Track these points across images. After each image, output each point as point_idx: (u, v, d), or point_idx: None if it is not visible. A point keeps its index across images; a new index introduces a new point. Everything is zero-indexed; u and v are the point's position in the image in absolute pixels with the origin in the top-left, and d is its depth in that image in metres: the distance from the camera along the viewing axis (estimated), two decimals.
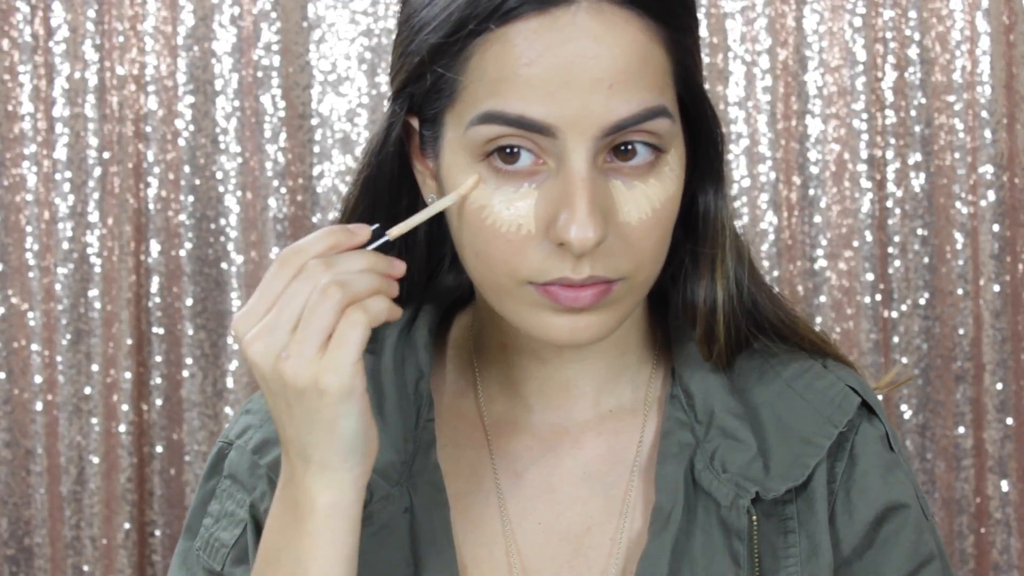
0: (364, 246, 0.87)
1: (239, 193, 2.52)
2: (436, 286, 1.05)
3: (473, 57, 0.89)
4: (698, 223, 0.99)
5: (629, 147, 0.89)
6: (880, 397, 1.05)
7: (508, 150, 0.89)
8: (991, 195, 2.42)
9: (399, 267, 0.87)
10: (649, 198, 0.90)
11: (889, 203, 2.46)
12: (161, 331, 2.54)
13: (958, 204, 2.44)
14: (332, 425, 0.85)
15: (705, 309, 0.98)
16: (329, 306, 0.83)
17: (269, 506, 0.96)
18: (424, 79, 0.91)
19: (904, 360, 2.45)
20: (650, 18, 0.89)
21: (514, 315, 0.93)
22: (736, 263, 0.99)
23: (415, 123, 0.95)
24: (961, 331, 2.45)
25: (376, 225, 0.88)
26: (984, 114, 2.42)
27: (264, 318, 0.85)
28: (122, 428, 2.51)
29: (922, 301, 2.47)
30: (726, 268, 0.98)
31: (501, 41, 0.88)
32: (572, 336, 0.91)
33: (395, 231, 0.89)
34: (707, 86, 1.04)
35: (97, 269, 2.52)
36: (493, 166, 0.89)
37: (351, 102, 2.53)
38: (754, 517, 0.95)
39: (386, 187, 0.98)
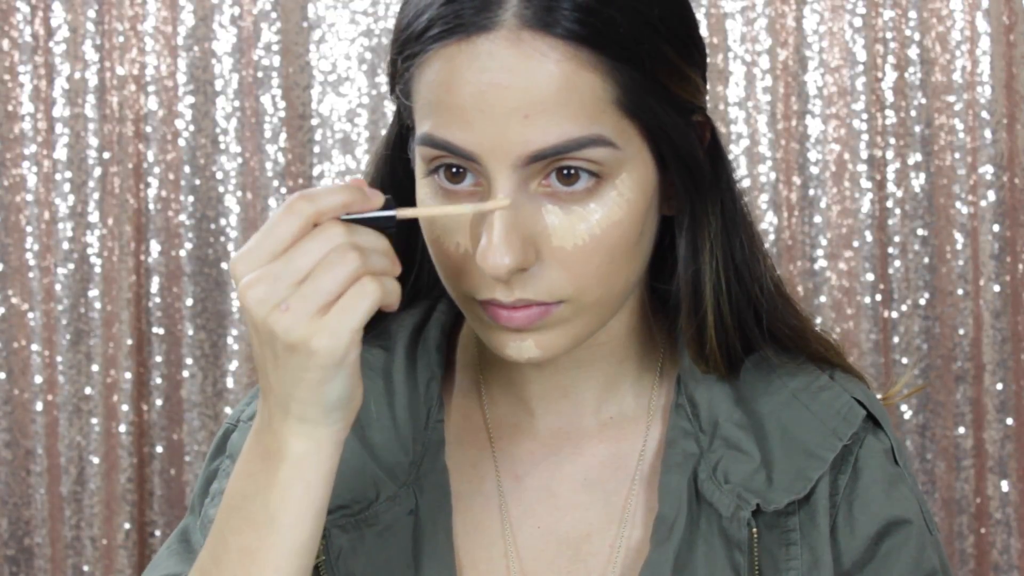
0: (370, 223, 0.84)
1: (239, 193, 2.52)
2: None
3: (413, 79, 0.90)
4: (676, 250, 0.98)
5: (572, 171, 0.88)
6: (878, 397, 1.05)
7: (454, 170, 0.89)
8: (991, 195, 2.42)
9: (397, 267, 0.86)
10: (588, 223, 0.89)
11: (889, 203, 2.46)
12: (161, 331, 2.54)
13: (958, 204, 2.44)
14: (317, 386, 0.83)
15: (691, 332, 0.98)
16: (345, 270, 0.81)
17: None
18: (394, 92, 0.94)
19: (904, 360, 2.45)
20: (580, 45, 0.86)
21: (474, 327, 0.94)
22: (729, 282, 0.97)
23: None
24: (961, 331, 2.45)
25: (389, 196, 0.85)
26: (984, 114, 2.42)
27: (268, 264, 0.82)
28: (122, 428, 2.51)
29: (922, 301, 2.47)
30: (711, 291, 0.97)
31: (430, 65, 0.89)
32: (519, 354, 0.91)
33: (405, 212, 0.86)
34: (707, 88, 1.00)
35: (97, 269, 2.52)
36: (438, 183, 0.90)
37: (351, 102, 2.52)
38: (754, 529, 0.95)
39: (389, 185, 0.99)
